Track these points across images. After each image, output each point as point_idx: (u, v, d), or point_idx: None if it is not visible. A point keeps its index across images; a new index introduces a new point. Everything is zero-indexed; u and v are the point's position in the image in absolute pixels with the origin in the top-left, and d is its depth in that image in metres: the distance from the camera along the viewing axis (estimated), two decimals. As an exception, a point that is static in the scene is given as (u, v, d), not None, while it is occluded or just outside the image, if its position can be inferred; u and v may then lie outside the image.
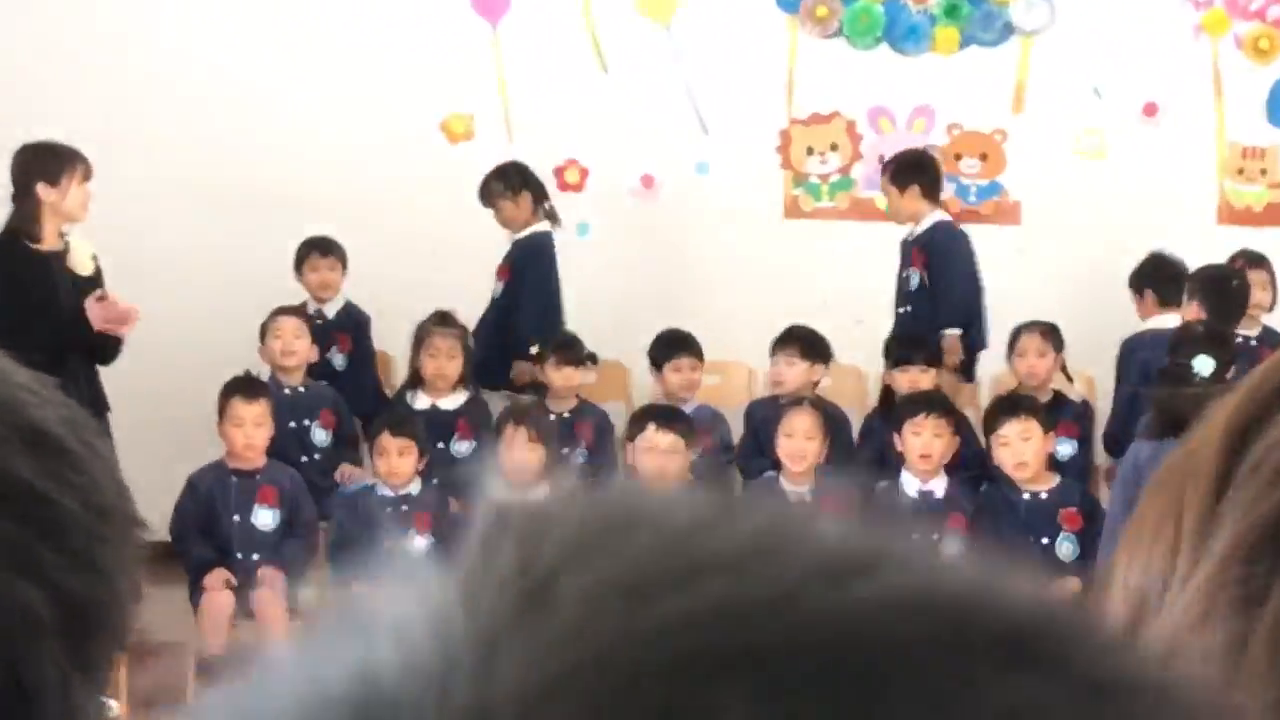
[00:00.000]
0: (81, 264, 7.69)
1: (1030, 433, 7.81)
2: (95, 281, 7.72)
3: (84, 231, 7.80)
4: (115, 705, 6.14)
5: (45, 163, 7.63)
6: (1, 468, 0.93)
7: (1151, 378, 7.84)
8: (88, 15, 9.57)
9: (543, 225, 9.07)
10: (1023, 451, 7.81)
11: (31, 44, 9.49)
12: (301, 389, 8.78)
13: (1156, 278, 8.84)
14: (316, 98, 9.63)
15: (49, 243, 7.64)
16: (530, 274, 9.00)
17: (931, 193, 8.91)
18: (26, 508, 0.92)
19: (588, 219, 9.68)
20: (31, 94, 9.26)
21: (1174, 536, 0.85)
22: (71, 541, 0.94)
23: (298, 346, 8.73)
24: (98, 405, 7.62)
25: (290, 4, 9.69)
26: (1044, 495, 7.84)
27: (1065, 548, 7.76)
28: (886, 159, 9.08)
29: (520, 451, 7.92)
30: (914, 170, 8.92)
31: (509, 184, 9.06)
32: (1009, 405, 8.05)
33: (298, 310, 8.93)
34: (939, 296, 8.78)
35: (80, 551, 0.94)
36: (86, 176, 7.61)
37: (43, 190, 7.59)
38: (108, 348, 7.70)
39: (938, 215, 8.94)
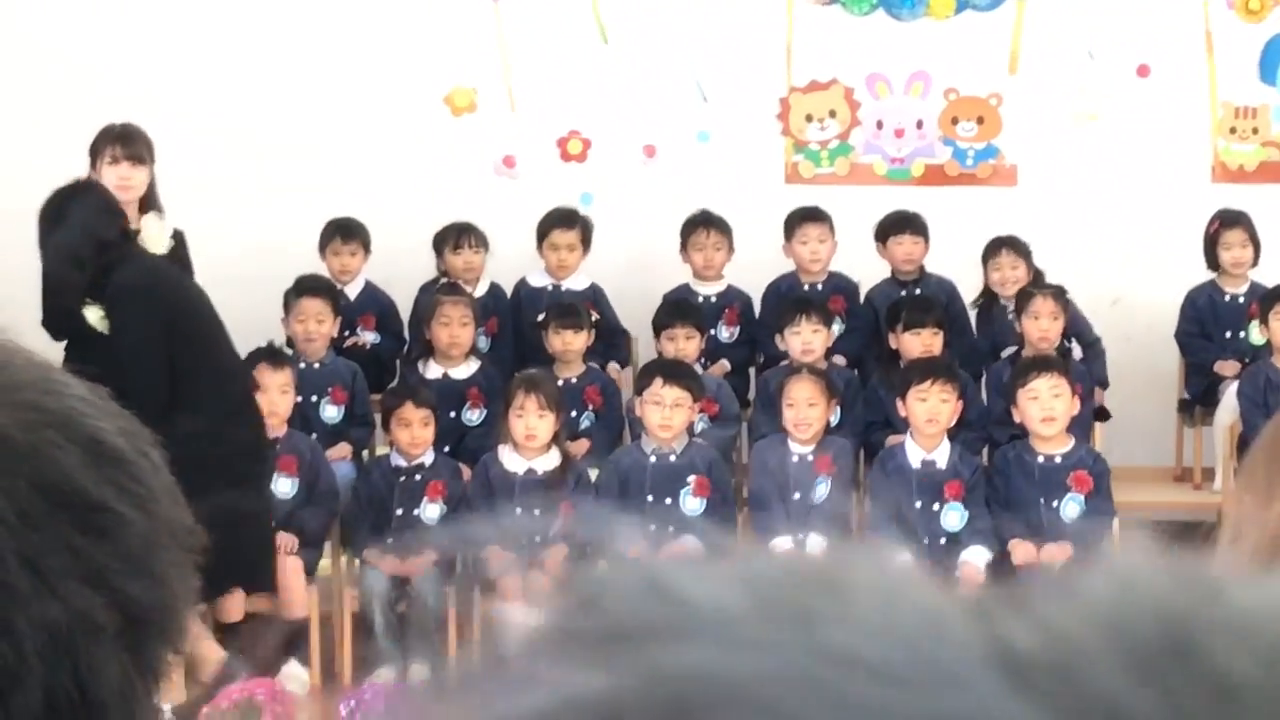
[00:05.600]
0: (153, 242, 7.65)
1: (1061, 389, 7.88)
2: (174, 258, 7.70)
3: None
4: (168, 709, 6.29)
5: (93, 146, 7.73)
6: (62, 477, 0.94)
7: None
8: (97, 10, 9.69)
9: None
10: (1053, 407, 7.87)
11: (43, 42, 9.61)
12: (317, 365, 8.72)
13: None
14: (321, 75, 9.71)
15: (135, 222, 7.65)
16: None
17: None
18: (87, 516, 0.94)
19: (591, 189, 9.79)
20: (44, 87, 9.39)
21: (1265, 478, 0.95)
22: (130, 548, 0.95)
23: (317, 332, 8.68)
24: None
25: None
26: (1058, 459, 7.91)
27: (1071, 508, 7.85)
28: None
29: (530, 419, 8.03)
30: None
31: None
32: (1042, 361, 8.09)
33: (320, 289, 8.83)
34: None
35: (138, 558, 0.96)
36: (115, 158, 7.64)
37: (92, 173, 7.69)
38: None
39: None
